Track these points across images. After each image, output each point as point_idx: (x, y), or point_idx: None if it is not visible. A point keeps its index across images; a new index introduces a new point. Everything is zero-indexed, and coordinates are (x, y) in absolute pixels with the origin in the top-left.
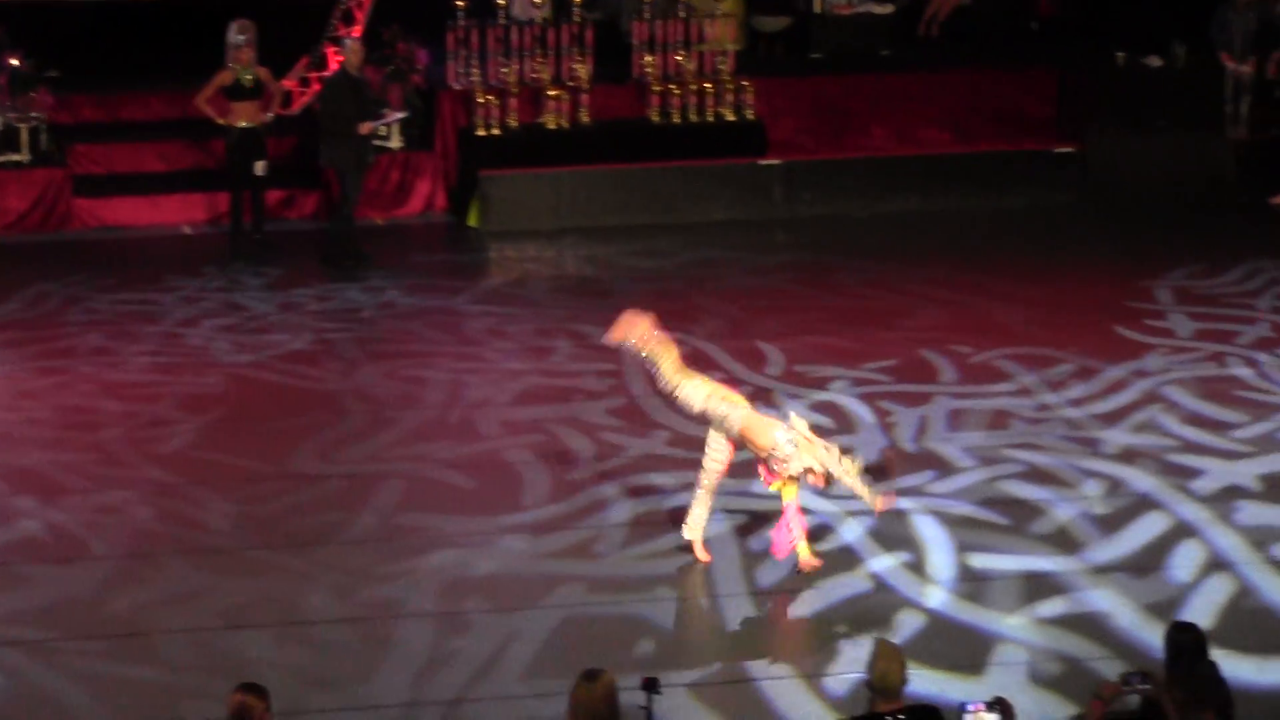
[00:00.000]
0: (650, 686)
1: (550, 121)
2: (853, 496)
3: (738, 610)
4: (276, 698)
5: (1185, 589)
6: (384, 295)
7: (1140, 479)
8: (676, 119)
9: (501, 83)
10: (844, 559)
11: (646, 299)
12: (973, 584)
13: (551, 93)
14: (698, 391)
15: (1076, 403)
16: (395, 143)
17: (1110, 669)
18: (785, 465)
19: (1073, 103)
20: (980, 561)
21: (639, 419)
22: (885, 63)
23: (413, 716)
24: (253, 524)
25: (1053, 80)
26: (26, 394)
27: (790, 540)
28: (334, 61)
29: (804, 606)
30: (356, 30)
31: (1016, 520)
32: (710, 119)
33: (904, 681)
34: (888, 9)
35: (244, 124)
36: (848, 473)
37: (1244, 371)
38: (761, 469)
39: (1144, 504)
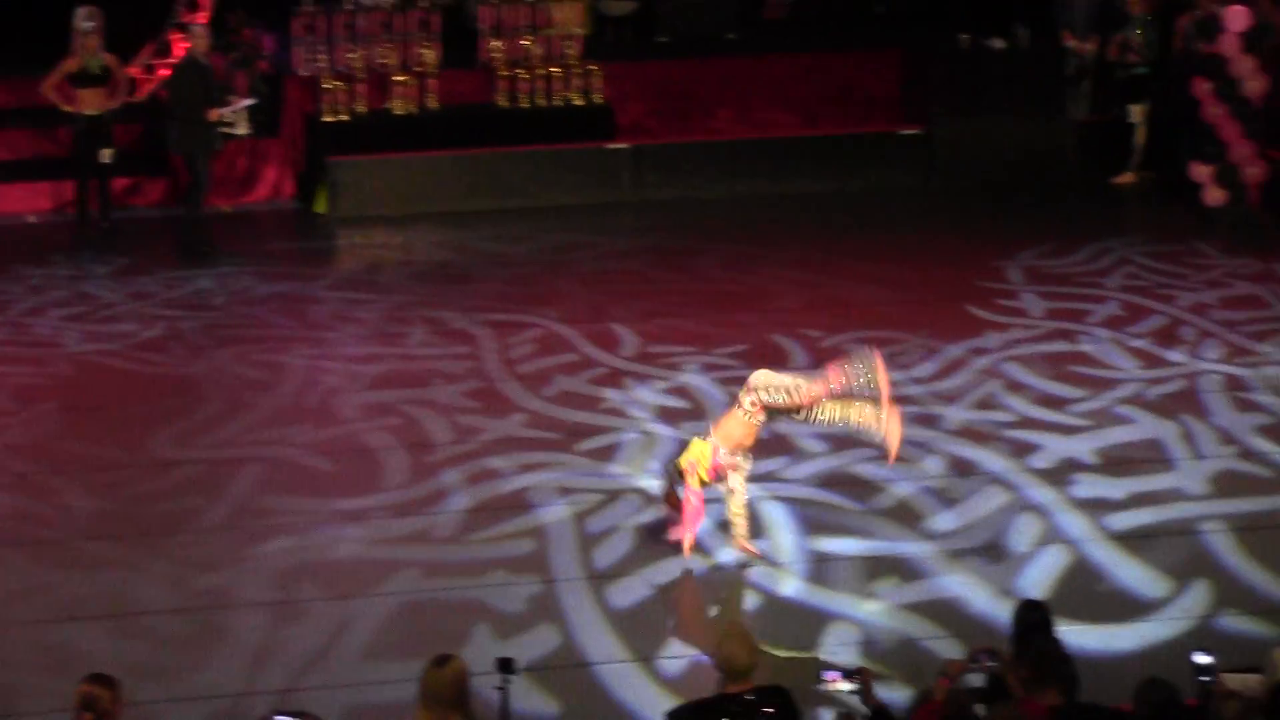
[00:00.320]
0: (506, 667)
1: (398, 107)
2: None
3: (575, 594)
4: None
5: (1023, 561)
6: (235, 283)
7: (981, 455)
8: (524, 104)
9: (348, 69)
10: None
11: (504, 284)
12: (813, 565)
13: (399, 78)
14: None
15: (923, 381)
16: (242, 129)
17: (946, 647)
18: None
19: (917, 85)
20: (822, 544)
21: (497, 402)
22: (731, 46)
23: (244, 706)
24: (104, 513)
25: (897, 62)
26: None
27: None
28: (179, 48)
29: (641, 589)
30: (202, 16)
31: (861, 501)
32: (558, 103)
33: (752, 663)
34: None
35: (90, 111)
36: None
37: (1088, 348)
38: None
39: (984, 479)
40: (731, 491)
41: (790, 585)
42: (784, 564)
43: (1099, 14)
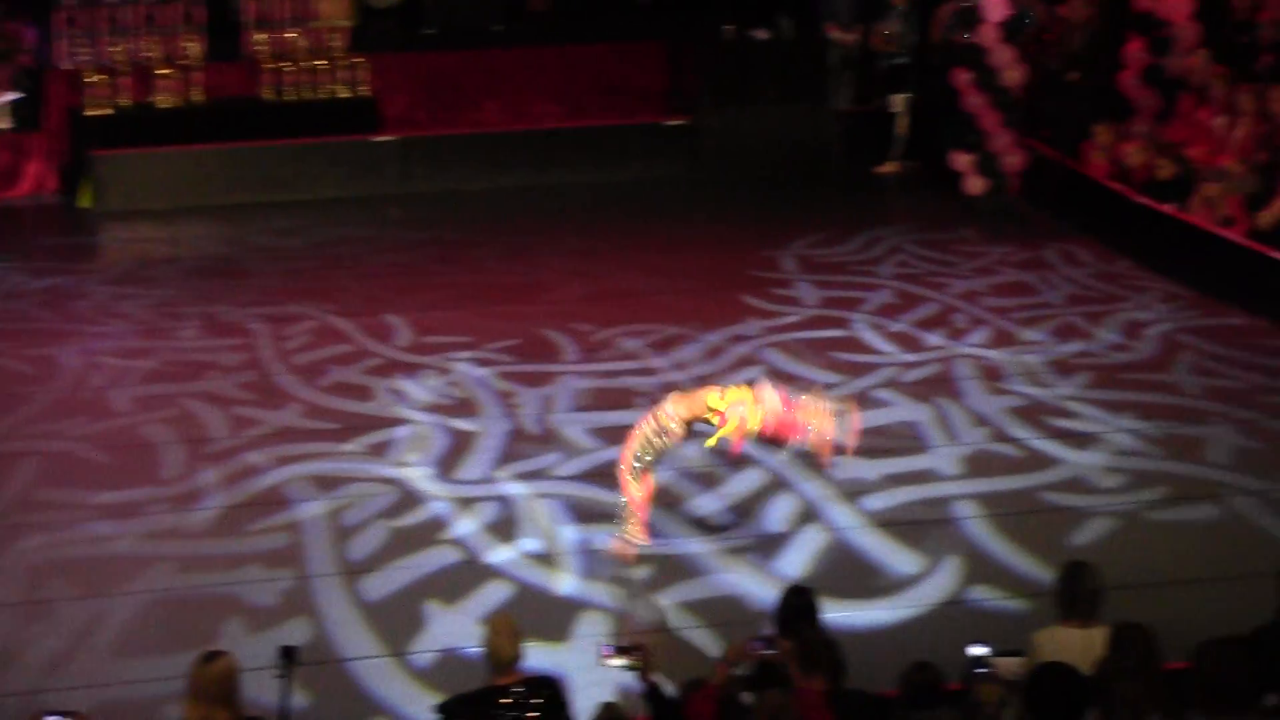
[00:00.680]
0: (289, 655)
1: (162, 101)
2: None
3: (327, 588)
4: None
5: (782, 543)
6: (1, 278)
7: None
8: (289, 96)
9: (111, 62)
10: (432, 529)
11: (277, 277)
12: (568, 555)
13: (162, 71)
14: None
15: (687, 366)
16: (4, 123)
17: (703, 636)
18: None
19: (682, 76)
20: (581, 534)
21: (272, 394)
22: (497, 38)
23: None
24: None
25: (662, 53)
26: None
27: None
28: None
29: (392, 582)
30: None
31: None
32: (324, 96)
33: (517, 654)
34: None
35: None
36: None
37: (850, 334)
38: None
39: (742, 461)
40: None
41: (556, 577)
42: (551, 556)
43: (861, 4)
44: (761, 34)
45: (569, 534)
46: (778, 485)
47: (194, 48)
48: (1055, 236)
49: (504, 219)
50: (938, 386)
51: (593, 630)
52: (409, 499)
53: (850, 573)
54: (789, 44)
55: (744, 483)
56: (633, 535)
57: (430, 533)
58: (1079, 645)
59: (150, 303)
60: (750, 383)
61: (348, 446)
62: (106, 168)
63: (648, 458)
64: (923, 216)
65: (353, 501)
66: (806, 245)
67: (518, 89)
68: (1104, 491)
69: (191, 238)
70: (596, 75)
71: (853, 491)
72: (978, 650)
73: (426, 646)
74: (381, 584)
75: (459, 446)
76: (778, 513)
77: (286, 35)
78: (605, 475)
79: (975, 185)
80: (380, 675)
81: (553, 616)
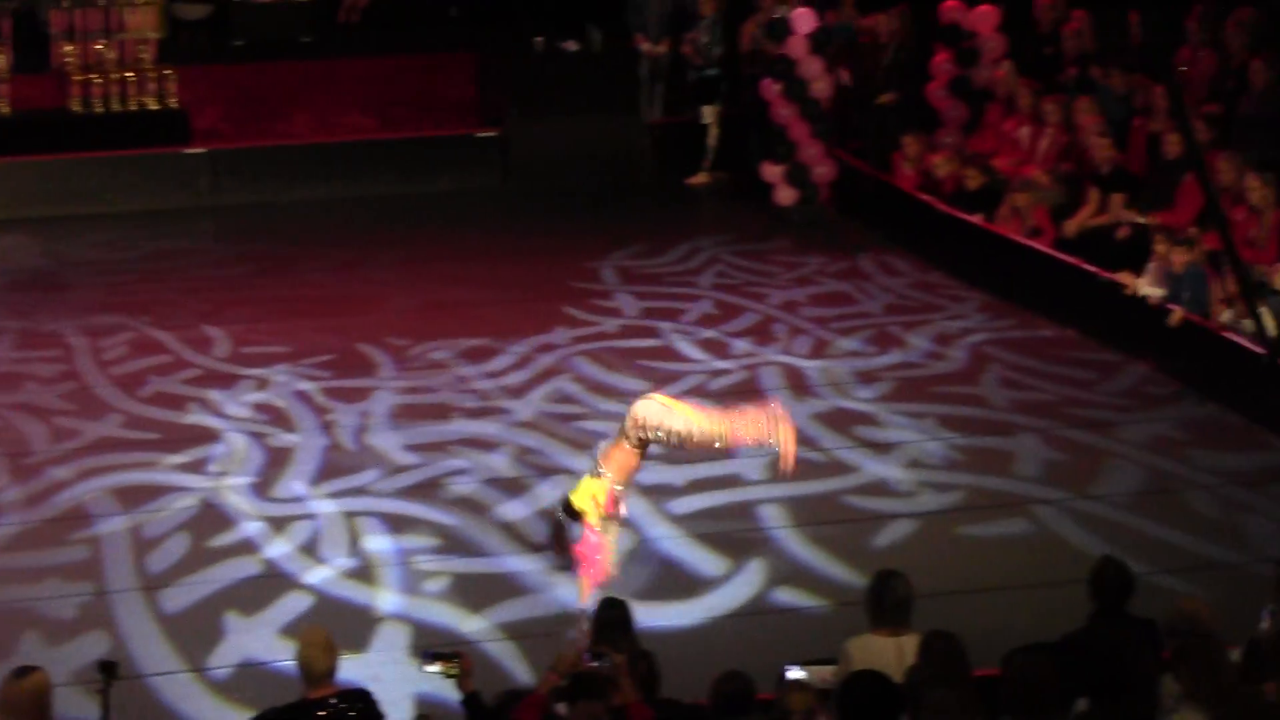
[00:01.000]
0: (108, 670)
1: None
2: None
3: (127, 604)
4: None
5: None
6: None
7: (553, 448)
8: (99, 108)
9: None
10: (236, 541)
11: (96, 290)
12: (368, 566)
13: None
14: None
15: (515, 390)
16: None
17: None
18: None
19: (492, 87)
20: (379, 544)
21: (92, 404)
22: (307, 50)
23: None
24: None
25: (472, 65)
26: None
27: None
28: None
29: (192, 595)
30: None
31: (426, 498)
32: (133, 108)
33: (330, 667)
34: None
35: None
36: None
37: (661, 343)
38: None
39: (551, 470)
40: (615, 520)
41: (330, 582)
42: (356, 570)
43: (670, 16)
44: (571, 45)
45: (378, 547)
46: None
47: (1, 59)
48: (869, 247)
49: (318, 231)
50: (745, 394)
51: (392, 641)
52: (214, 512)
53: (656, 576)
54: (599, 56)
55: (553, 490)
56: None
57: (234, 545)
58: (890, 653)
59: None
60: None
61: (160, 459)
62: None
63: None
64: (738, 227)
65: (158, 514)
66: (626, 256)
67: (328, 101)
68: (906, 495)
69: (2, 250)
70: (407, 87)
71: (658, 495)
72: (796, 673)
73: (226, 659)
74: (181, 596)
75: (272, 461)
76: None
77: (95, 47)
78: (421, 490)
79: (786, 196)
80: (178, 689)
81: (353, 628)
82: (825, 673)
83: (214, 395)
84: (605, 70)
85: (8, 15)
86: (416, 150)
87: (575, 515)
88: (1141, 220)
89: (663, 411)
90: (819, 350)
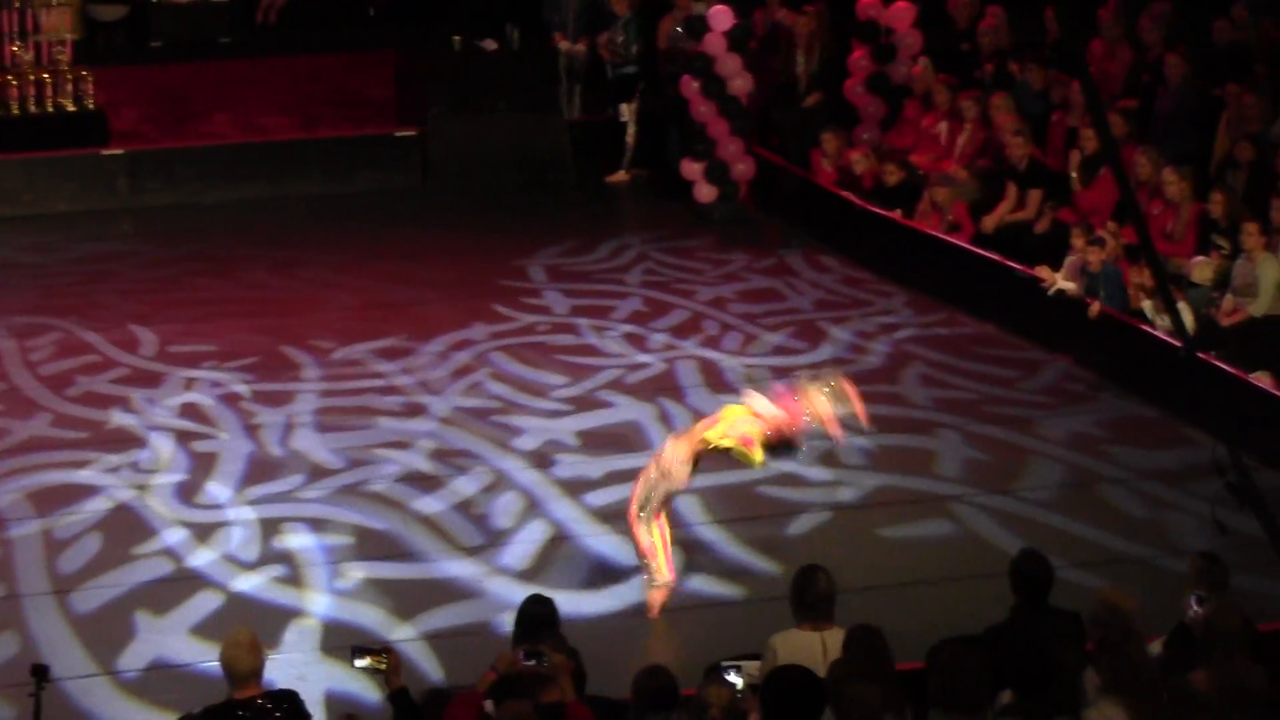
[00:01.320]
0: (40, 674)
1: None
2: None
3: (37, 608)
4: None
5: (506, 535)
6: None
7: (469, 441)
8: (15, 110)
9: None
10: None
11: (18, 291)
12: (286, 565)
13: None
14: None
15: (415, 371)
16: None
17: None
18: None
19: (412, 86)
20: (298, 541)
21: (19, 405)
22: (226, 50)
23: None
24: None
25: (391, 64)
26: None
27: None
28: None
29: (104, 596)
30: None
31: (346, 498)
32: (50, 110)
33: (256, 667)
34: None
35: None
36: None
37: (581, 339)
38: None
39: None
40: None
41: (248, 582)
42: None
43: (588, 15)
44: (490, 44)
45: (291, 547)
46: (502, 484)
47: None
48: (798, 244)
49: (241, 232)
50: (662, 388)
51: (302, 640)
52: (131, 515)
53: (575, 567)
54: (518, 54)
55: (470, 483)
56: (658, 578)
57: (149, 547)
58: (814, 648)
59: None
60: (740, 400)
61: (83, 460)
62: None
63: (653, 503)
64: (660, 225)
65: (72, 517)
66: (553, 254)
67: (248, 101)
68: (823, 486)
69: None
70: (326, 86)
71: (576, 488)
72: (734, 678)
73: (137, 659)
74: (93, 598)
75: (193, 462)
76: (503, 510)
77: (11, 48)
78: (341, 490)
79: (705, 193)
80: (89, 691)
81: (264, 627)
82: (750, 667)
83: (140, 396)
84: (524, 69)
85: None
86: (337, 150)
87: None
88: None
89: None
90: (744, 346)
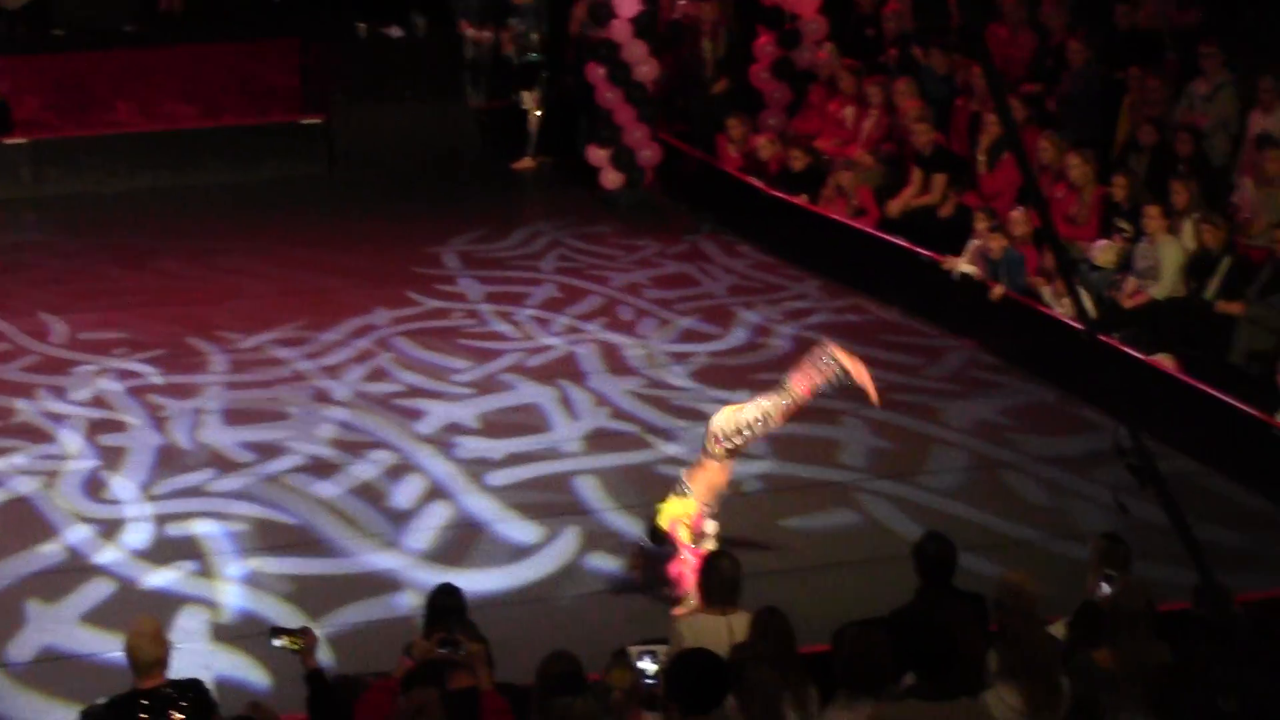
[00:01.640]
0: None
1: None
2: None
3: None
4: None
5: (408, 521)
6: None
7: (371, 424)
8: None
9: None
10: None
11: None
12: (183, 554)
13: None
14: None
15: (316, 355)
16: None
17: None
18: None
19: (316, 74)
20: (196, 530)
21: None
22: (129, 38)
23: None
24: None
25: (296, 51)
26: None
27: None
28: None
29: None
30: None
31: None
32: None
33: (160, 656)
34: None
35: None
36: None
37: (486, 324)
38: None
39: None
40: (705, 536)
41: (134, 569)
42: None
43: (493, 2)
44: (395, 31)
45: (188, 534)
46: (405, 467)
47: None
48: (697, 231)
49: (146, 221)
50: (564, 371)
51: (200, 629)
52: (29, 506)
53: (471, 543)
54: (423, 41)
55: (371, 468)
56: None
57: (44, 536)
58: (720, 631)
59: None
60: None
61: None
62: None
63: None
64: (571, 211)
65: None
66: (466, 241)
67: (151, 89)
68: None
69: None
70: (230, 74)
71: (477, 468)
72: (647, 664)
73: (26, 649)
74: None
75: (96, 452)
76: (405, 492)
77: None
78: (250, 482)
79: (611, 180)
80: None
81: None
82: (659, 652)
83: (46, 387)
84: (430, 56)
85: None
86: (241, 138)
87: (662, 539)
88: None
89: (732, 412)
90: (654, 331)
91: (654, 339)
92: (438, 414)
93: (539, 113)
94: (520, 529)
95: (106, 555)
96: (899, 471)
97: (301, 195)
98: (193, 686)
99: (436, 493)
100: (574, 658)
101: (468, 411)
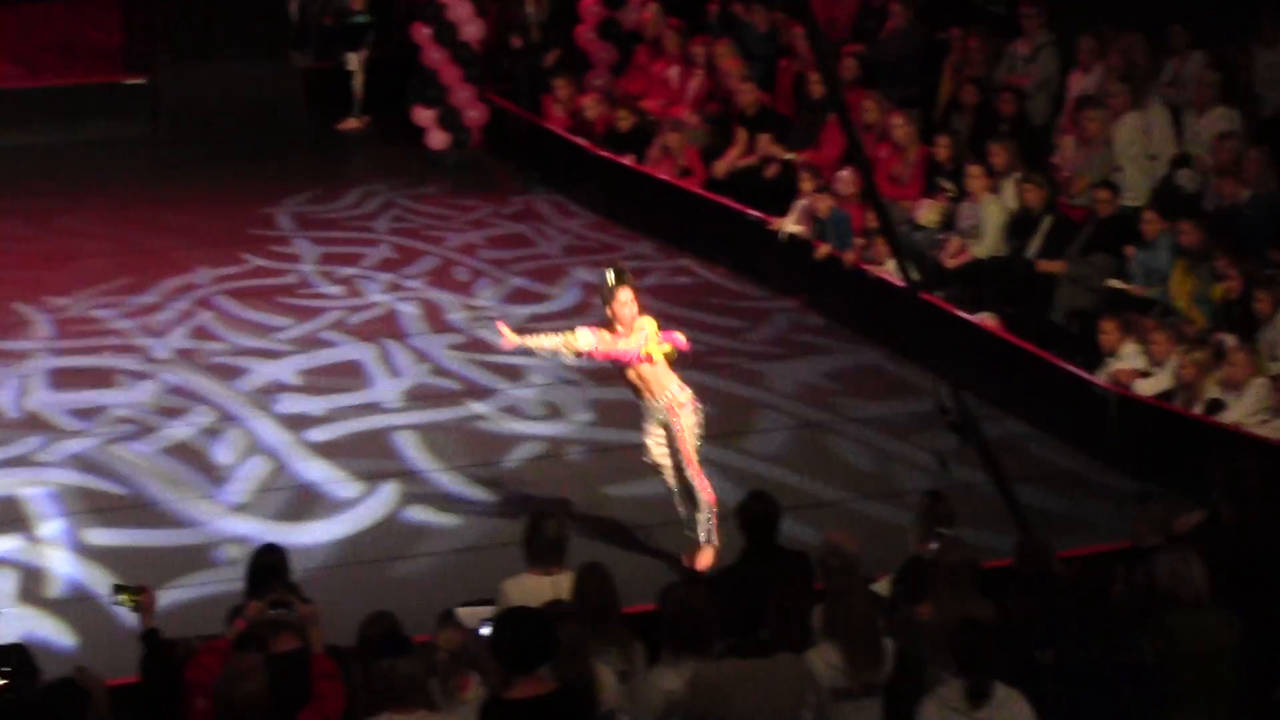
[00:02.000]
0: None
1: None
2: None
3: None
4: None
5: (229, 471)
6: None
7: (194, 381)
8: None
9: None
10: None
11: None
12: None
13: None
14: None
15: (136, 314)
16: None
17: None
18: None
19: (140, 33)
20: (19, 491)
21: None
22: None
23: None
24: None
25: (118, 9)
26: None
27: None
28: None
29: None
30: None
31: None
32: None
33: None
34: None
35: None
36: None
37: (311, 284)
38: None
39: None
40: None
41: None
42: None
43: None
44: None
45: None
46: (227, 422)
47: None
48: (527, 191)
49: None
50: (385, 329)
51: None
52: None
53: (290, 498)
54: (248, 1)
55: (195, 422)
56: (715, 535)
57: None
58: (545, 591)
59: None
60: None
61: None
62: None
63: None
64: (398, 172)
65: None
66: (300, 202)
67: None
68: (549, 440)
69: None
70: (51, 33)
71: (298, 424)
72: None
73: None
74: None
75: None
76: (225, 448)
77: None
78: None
79: (438, 140)
80: None
81: None
82: (482, 613)
83: None
84: (255, 15)
85: None
86: (62, 99)
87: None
88: (789, 157)
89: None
90: (484, 291)
91: (491, 301)
92: (260, 372)
93: (364, 74)
94: (339, 482)
95: None
96: (722, 435)
97: (126, 157)
98: (15, 650)
99: (257, 448)
100: (393, 617)
101: (290, 368)
